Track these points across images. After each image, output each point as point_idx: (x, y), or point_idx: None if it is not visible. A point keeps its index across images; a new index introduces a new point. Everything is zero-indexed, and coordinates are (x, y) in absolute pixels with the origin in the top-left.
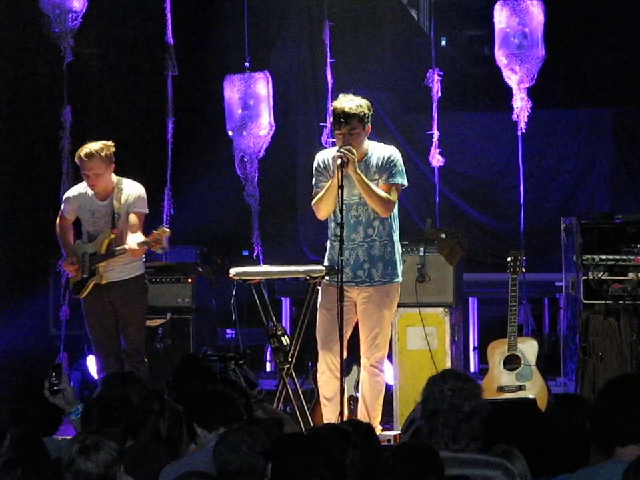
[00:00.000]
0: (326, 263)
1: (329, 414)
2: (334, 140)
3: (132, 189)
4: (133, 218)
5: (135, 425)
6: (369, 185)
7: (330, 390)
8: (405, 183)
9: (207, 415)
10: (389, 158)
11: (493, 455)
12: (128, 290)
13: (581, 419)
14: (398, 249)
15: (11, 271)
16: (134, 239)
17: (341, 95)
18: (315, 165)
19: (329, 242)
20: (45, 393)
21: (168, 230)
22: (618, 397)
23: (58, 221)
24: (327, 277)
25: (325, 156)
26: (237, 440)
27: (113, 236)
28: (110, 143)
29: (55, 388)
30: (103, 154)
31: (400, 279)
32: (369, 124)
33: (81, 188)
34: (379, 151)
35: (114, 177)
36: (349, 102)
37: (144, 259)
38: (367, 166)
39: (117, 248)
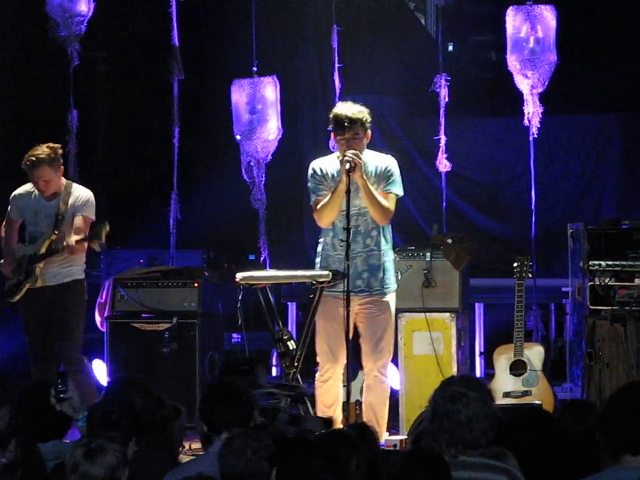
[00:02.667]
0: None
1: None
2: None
3: (81, 193)
4: (78, 220)
5: (138, 430)
6: (372, 190)
7: (331, 397)
8: (401, 193)
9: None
10: (386, 167)
11: (488, 457)
12: (62, 295)
13: (591, 425)
14: (392, 256)
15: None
16: (73, 237)
17: (339, 103)
18: (312, 172)
19: (321, 251)
20: (51, 400)
21: (108, 227)
22: (628, 406)
23: (4, 223)
24: (333, 280)
25: (322, 164)
26: (242, 444)
27: (53, 237)
28: (57, 145)
29: (62, 396)
30: (50, 159)
31: (396, 286)
32: (369, 130)
33: (28, 187)
34: (375, 159)
35: (63, 180)
36: (351, 108)
37: (85, 266)
38: (365, 174)
39: (54, 247)
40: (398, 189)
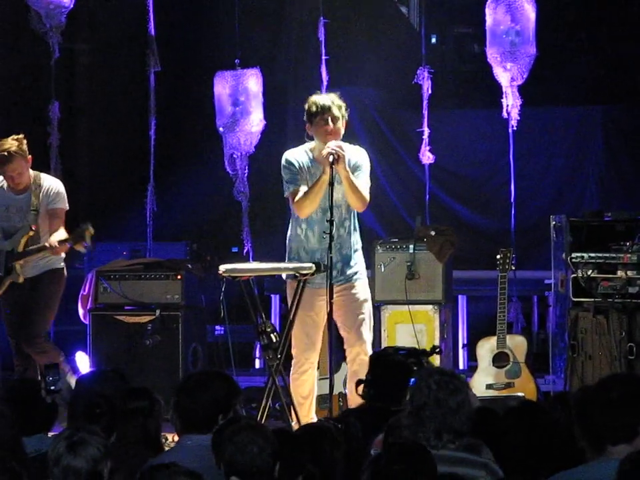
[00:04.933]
0: (291, 255)
1: (307, 411)
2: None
3: (51, 184)
4: (54, 214)
5: (119, 423)
6: (354, 180)
7: (307, 388)
8: (370, 182)
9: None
10: (359, 159)
11: (465, 451)
12: (38, 284)
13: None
14: (361, 243)
15: None
16: (56, 236)
17: (314, 95)
18: (287, 164)
19: (291, 235)
20: (41, 393)
21: (91, 228)
22: (608, 397)
23: None
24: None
25: (296, 156)
26: (245, 439)
27: (31, 233)
28: (21, 136)
29: (52, 387)
30: (22, 152)
31: (367, 272)
32: (344, 118)
33: None
34: (349, 150)
35: (31, 171)
36: (329, 99)
37: (64, 256)
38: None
39: (35, 246)
40: (368, 179)
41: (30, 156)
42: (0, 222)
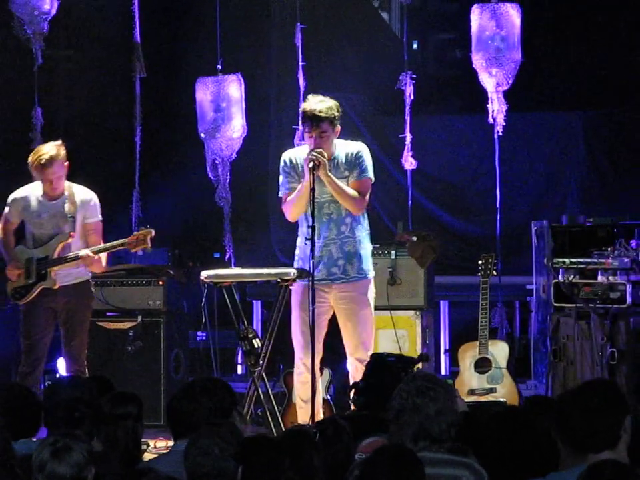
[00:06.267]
0: (297, 264)
1: (305, 416)
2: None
3: (87, 195)
4: (91, 228)
5: (108, 428)
6: (339, 185)
7: (308, 392)
8: (372, 177)
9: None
10: (357, 154)
11: (450, 453)
12: (75, 296)
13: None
14: (369, 244)
15: None
16: (90, 247)
17: (310, 96)
18: (282, 164)
19: (299, 243)
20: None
21: (153, 231)
22: (587, 404)
23: (1, 225)
24: (298, 278)
25: (292, 155)
26: (208, 443)
27: (70, 240)
28: (59, 142)
29: None
30: (60, 156)
31: (373, 273)
32: (338, 126)
33: (28, 189)
34: (346, 147)
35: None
36: (320, 104)
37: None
38: (336, 164)
39: (70, 254)
40: (370, 174)
41: (67, 162)
42: (32, 229)
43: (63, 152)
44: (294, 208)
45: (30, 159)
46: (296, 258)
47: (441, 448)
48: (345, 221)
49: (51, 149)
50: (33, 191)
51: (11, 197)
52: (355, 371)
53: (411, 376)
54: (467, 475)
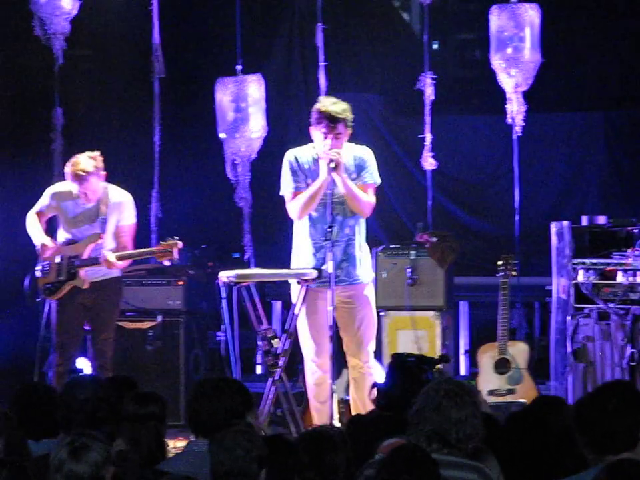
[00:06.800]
0: (295, 265)
1: (322, 418)
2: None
3: (121, 197)
4: (123, 229)
5: (131, 428)
6: (352, 187)
7: (325, 394)
8: (379, 181)
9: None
10: (364, 158)
11: (464, 455)
12: (105, 292)
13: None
14: (367, 249)
15: (2, 270)
16: (116, 252)
17: (322, 98)
18: (288, 163)
19: (297, 243)
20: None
21: (180, 242)
22: (605, 406)
23: (33, 213)
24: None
25: (298, 154)
26: (233, 442)
27: (100, 240)
28: (97, 153)
29: None
30: (97, 171)
31: (373, 275)
32: (350, 127)
33: (68, 186)
34: (352, 151)
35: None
36: (334, 105)
37: None
38: (344, 167)
39: (92, 257)
40: (376, 178)
41: (104, 172)
42: (67, 227)
43: (99, 165)
44: (305, 207)
45: (67, 169)
46: (294, 259)
47: (453, 453)
48: (349, 223)
49: (88, 163)
50: (71, 189)
51: (50, 190)
52: (357, 373)
53: (444, 378)
54: (476, 477)
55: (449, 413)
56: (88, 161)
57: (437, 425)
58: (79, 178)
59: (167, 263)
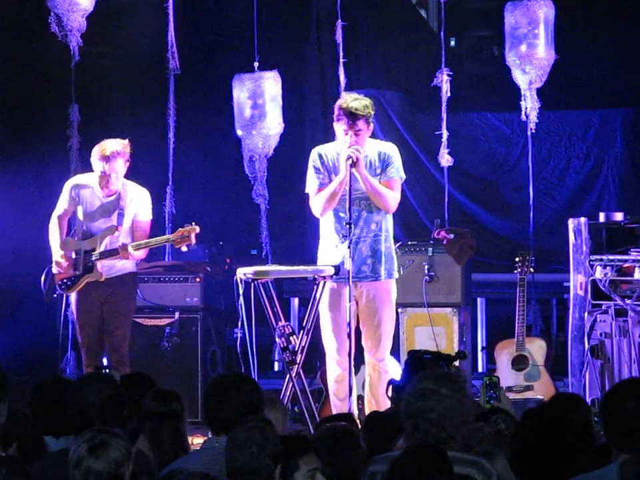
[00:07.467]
0: (321, 262)
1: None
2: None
3: (139, 193)
4: (139, 226)
5: (152, 425)
6: (373, 182)
7: (344, 390)
8: (404, 176)
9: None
10: (389, 154)
11: (473, 454)
12: (120, 287)
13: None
14: (393, 245)
15: (19, 268)
16: (134, 242)
17: (344, 93)
18: (313, 160)
19: (323, 240)
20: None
21: (197, 227)
22: (623, 404)
23: (55, 217)
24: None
25: (323, 151)
26: (245, 439)
27: (116, 233)
28: (126, 141)
29: None
30: (126, 154)
31: (397, 274)
32: (372, 124)
33: (87, 178)
34: (377, 147)
35: None
36: (356, 102)
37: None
38: (368, 163)
39: (110, 249)
40: (402, 173)
41: (129, 162)
42: (84, 220)
43: (128, 150)
44: (326, 204)
45: (94, 150)
46: (320, 254)
47: (451, 446)
48: (375, 218)
49: (117, 144)
50: (90, 181)
51: (70, 182)
52: (372, 370)
53: (419, 377)
54: (474, 472)
55: (430, 415)
56: (117, 142)
57: (424, 430)
58: (106, 157)
59: (184, 249)
